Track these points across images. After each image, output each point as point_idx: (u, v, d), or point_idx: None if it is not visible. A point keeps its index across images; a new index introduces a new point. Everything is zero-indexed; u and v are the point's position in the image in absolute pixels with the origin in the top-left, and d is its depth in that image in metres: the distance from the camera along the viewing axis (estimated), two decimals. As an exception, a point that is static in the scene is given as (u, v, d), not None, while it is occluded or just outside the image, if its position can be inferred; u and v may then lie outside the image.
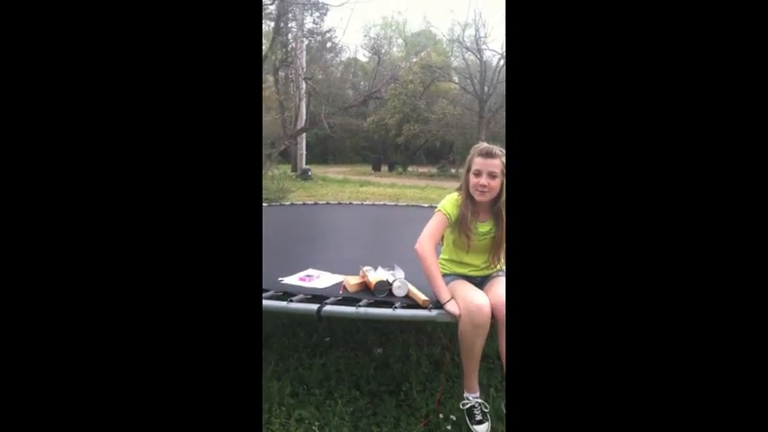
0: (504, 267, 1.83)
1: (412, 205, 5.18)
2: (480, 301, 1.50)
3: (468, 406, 1.63)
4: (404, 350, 2.22)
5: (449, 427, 1.64)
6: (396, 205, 5.05)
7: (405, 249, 1.86)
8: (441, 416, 1.70)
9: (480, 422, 1.59)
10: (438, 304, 1.57)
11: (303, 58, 12.95)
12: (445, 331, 2.37)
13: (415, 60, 19.38)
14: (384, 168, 17.94)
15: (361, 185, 11.09)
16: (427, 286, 1.65)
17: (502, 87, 17.23)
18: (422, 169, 18.02)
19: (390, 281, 1.68)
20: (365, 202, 5.32)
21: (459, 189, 1.71)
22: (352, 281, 1.78)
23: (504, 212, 1.66)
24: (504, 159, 1.64)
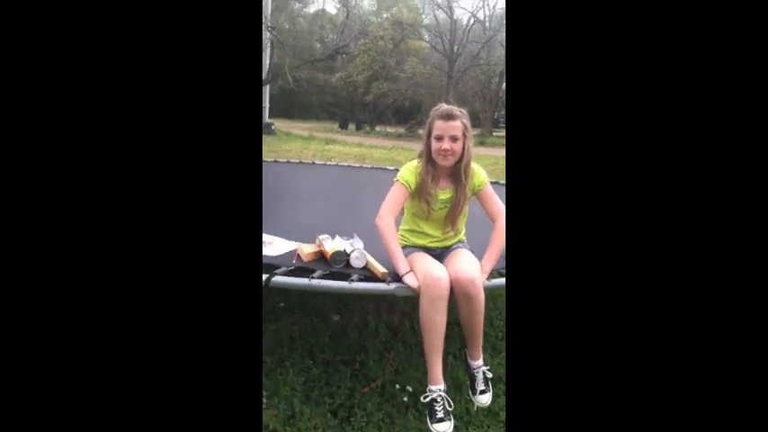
0: (464, 238, 1.78)
1: (377, 168, 5.06)
2: (439, 273, 1.43)
3: (428, 399, 1.42)
4: (362, 317, 2.18)
5: (405, 399, 1.62)
6: (361, 167, 4.92)
7: (367, 216, 1.77)
8: (397, 386, 1.68)
9: (441, 420, 1.37)
10: (397, 277, 1.51)
11: (268, 6, 12.40)
12: (406, 300, 2.34)
13: (385, 16, 18.84)
14: (351, 127, 17.62)
15: (327, 143, 10.86)
16: (387, 258, 1.58)
17: (471, 47, 17.01)
18: (390, 129, 17.80)
19: (348, 251, 1.61)
20: (328, 163, 5.18)
21: (419, 156, 1.63)
22: (306, 249, 1.68)
23: (463, 176, 1.59)
24: (465, 120, 1.55)
